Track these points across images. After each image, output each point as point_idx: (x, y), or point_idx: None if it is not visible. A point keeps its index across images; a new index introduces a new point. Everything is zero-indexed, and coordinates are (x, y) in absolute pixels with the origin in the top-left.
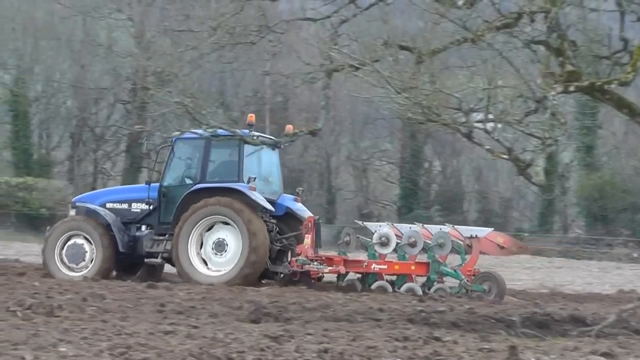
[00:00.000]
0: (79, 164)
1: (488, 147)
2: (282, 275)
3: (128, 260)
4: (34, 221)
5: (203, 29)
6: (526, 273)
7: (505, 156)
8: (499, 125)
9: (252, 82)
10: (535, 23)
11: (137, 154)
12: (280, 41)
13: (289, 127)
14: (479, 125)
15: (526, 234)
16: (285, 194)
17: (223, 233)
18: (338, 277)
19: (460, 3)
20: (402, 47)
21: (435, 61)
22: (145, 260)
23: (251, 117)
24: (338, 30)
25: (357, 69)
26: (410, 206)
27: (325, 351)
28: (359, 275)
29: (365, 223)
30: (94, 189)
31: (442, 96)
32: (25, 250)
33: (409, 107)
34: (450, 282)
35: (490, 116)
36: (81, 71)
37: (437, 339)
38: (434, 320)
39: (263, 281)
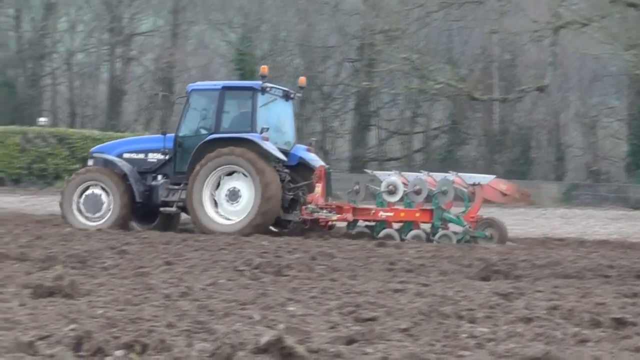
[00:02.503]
0: (306, 123)
1: None
2: (293, 223)
3: (144, 210)
4: None
5: None
6: None
7: None
8: None
9: (479, 40)
10: None
11: (366, 112)
12: (509, 0)
13: (302, 80)
14: None
15: None
16: (298, 144)
17: (236, 182)
18: (348, 225)
19: None
20: (630, 4)
21: None
22: (161, 209)
23: (264, 69)
24: None
25: (585, 25)
26: (638, 163)
27: (555, 308)
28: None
29: (374, 172)
30: (322, 148)
31: None
32: None
33: (636, 63)
34: (455, 228)
35: None
36: (308, 29)
37: None
38: None
39: (281, 229)
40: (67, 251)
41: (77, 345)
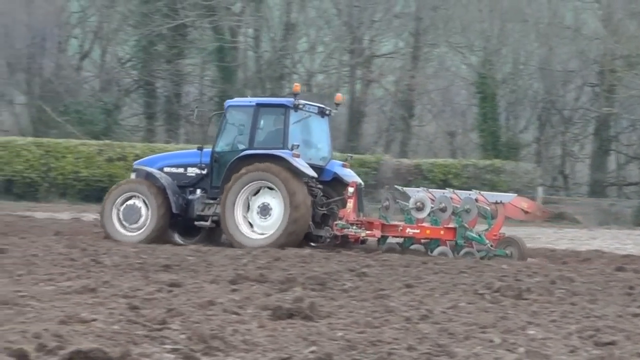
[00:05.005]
0: (546, 147)
1: None
2: (325, 239)
3: (185, 223)
4: None
5: None
6: None
7: None
8: None
9: None
10: None
11: (605, 136)
12: None
13: (339, 97)
14: None
15: None
16: (334, 160)
17: (268, 198)
18: (378, 241)
19: None
20: None
21: None
22: (196, 223)
23: (296, 87)
24: None
25: None
26: None
27: None
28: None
29: (404, 188)
30: (561, 172)
31: None
32: None
33: None
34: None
35: None
36: (548, 53)
37: None
38: None
39: (312, 244)
40: (306, 273)
41: None
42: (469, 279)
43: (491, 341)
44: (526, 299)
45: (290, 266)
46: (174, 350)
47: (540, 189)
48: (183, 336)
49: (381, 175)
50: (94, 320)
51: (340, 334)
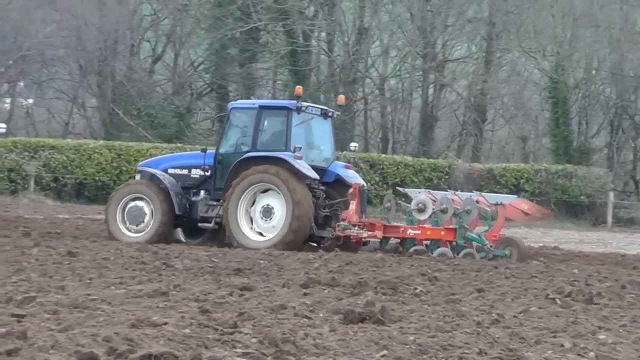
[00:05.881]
0: (618, 152)
1: None
2: (327, 240)
3: (190, 224)
4: (573, 208)
5: None
6: None
7: None
8: None
9: None
10: None
11: None
12: None
13: (341, 98)
14: None
15: None
16: (337, 162)
17: (270, 200)
18: (381, 242)
19: None
20: None
21: None
22: (199, 224)
23: (298, 89)
24: None
25: None
26: None
27: None
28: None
29: (405, 190)
30: (632, 177)
31: None
32: (564, 237)
33: None
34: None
35: None
36: (620, 59)
37: None
38: None
39: (316, 245)
40: (377, 277)
41: None
42: (540, 283)
43: (562, 346)
44: (597, 304)
45: (362, 270)
46: (245, 354)
47: (611, 194)
48: (254, 340)
49: (453, 179)
50: (165, 323)
51: (411, 338)
